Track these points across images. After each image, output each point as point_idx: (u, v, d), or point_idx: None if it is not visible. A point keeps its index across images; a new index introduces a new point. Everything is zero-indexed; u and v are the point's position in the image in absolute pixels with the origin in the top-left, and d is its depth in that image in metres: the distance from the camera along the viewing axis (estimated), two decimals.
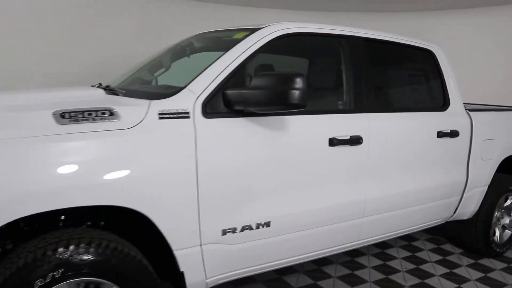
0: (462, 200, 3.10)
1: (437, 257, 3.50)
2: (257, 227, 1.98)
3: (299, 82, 1.76)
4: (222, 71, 1.94)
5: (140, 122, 1.71)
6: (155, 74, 2.77)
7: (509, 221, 3.62)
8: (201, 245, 1.84)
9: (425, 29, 6.10)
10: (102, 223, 1.90)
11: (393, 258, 3.43)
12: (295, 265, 3.13)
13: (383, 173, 2.45)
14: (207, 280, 1.95)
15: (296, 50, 2.55)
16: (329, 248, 2.36)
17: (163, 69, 2.80)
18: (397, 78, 2.94)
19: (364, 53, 2.46)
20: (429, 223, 2.93)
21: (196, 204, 1.79)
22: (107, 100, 1.91)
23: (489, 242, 3.38)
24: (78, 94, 1.99)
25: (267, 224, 2.01)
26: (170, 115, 1.77)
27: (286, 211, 2.07)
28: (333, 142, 2.18)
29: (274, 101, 1.78)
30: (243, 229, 1.94)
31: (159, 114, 1.76)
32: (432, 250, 3.65)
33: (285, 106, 1.79)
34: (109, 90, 2.17)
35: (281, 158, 2.03)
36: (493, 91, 5.74)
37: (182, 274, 1.83)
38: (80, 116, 1.63)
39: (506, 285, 3.05)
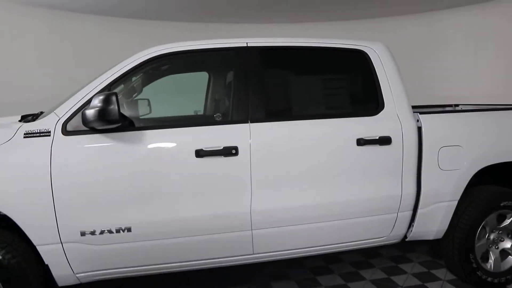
0: (417, 216, 2.70)
1: (415, 283, 3.06)
2: (118, 231, 2.19)
3: (109, 101, 1.96)
4: (87, 94, 2.24)
5: (8, 140, 2.13)
6: None
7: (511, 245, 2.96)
8: (61, 242, 2.15)
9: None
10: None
11: (360, 279, 3.15)
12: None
13: (273, 185, 2.36)
14: (78, 275, 2.24)
15: (179, 68, 2.67)
16: (216, 258, 2.39)
17: None
18: (307, 84, 2.75)
19: (255, 63, 2.44)
20: (361, 241, 2.63)
21: (52, 207, 2.11)
22: (4, 125, 2.39)
23: (471, 268, 2.82)
24: None
25: (128, 229, 2.20)
26: (34, 134, 2.15)
27: (149, 219, 2.22)
28: (199, 153, 2.25)
29: (97, 118, 2.00)
30: (102, 232, 2.18)
31: (25, 134, 2.15)
32: (417, 274, 3.20)
33: (104, 122, 2.00)
34: (34, 116, 2.65)
35: (142, 169, 2.21)
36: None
37: (47, 266, 2.16)
38: None
39: None
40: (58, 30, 6.14)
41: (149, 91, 2.59)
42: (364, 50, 2.68)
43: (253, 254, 2.44)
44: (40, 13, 5.85)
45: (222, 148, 2.28)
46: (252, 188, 2.33)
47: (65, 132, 2.17)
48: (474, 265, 2.82)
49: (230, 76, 2.45)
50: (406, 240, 2.81)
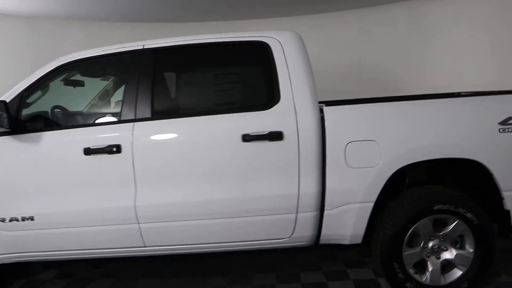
0: (325, 218, 2.50)
1: None
2: (23, 220, 2.52)
3: None
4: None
5: None
6: None
7: (456, 256, 2.52)
8: None
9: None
10: None
11: (294, 280, 3.00)
12: None
13: (156, 181, 2.44)
14: None
15: (88, 72, 2.86)
16: (110, 248, 2.57)
17: None
18: (198, 81, 2.69)
19: (149, 64, 2.53)
20: (261, 241, 2.52)
21: None
22: None
23: (397, 279, 2.49)
24: None
25: (31, 218, 2.51)
26: None
27: (47, 210, 2.50)
28: (87, 151, 2.44)
29: None
30: (11, 219, 2.53)
31: None
32: (358, 281, 2.92)
33: None
34: None
35: (40, 166, 2.50)
36: None
37: None
38: None
39: None
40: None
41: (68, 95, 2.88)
42: (266, 42, 2.56)
43: (146, 247, 2.55)
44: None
45: (106, 146, 2.44)
46: (136, 183, 2.45)
47: None
48: (400, 275, 2.49)
49: (126, 79, 2.59)
50: (320, 243, 2.62)
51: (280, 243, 2.56)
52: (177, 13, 6.42)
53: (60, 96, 2.89)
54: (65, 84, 3.00)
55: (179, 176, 2.45)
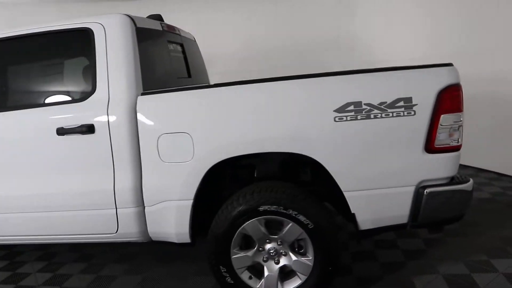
0: (147, 215, 2.31)
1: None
2: None
3: None
4: None
5: None
6: None
7: (294, 262, 2.19)
8: None
9: None
10: None
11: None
12: None
13: None
14: None
15: None
16: None
17: None
18: (17, 75, 2.54)
19: None
20: (88, 235, 2.41)
21: None
22: None
23: (227, 284, 2.24)
24: None
25: None
26: None
27: None
28: None
29: None
30: None
31: None
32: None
33: None
34: None
35: None
36: None
37: None
38: None
39: None
40: None
41: None
42: (91, 28, 2.35)
43: None
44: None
45: None
46: None
47: None
48: (229, 280, 2.24)
49: None
50: (153, 240, 2.45)
51: (111, 238, 2.44)
52: None
53: None
54: None
55: (5, 170, 2.44)
